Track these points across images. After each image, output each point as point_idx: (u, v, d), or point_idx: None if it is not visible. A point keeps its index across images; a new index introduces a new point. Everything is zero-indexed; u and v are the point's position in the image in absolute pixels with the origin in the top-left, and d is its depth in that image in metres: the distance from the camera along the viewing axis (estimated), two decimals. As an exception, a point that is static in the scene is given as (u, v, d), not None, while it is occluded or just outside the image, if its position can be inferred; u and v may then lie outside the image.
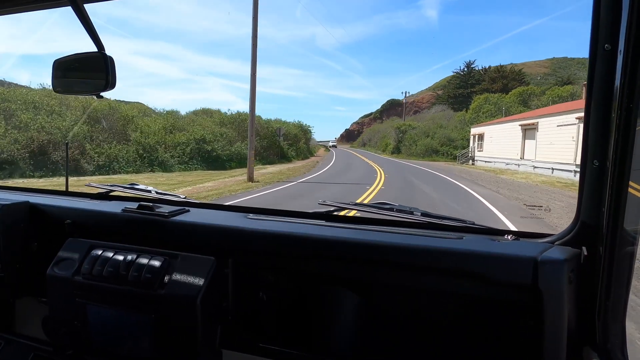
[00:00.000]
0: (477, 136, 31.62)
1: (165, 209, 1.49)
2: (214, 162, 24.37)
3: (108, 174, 18.81)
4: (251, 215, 1.48)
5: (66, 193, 1.88)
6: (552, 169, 19.16)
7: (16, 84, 22.92)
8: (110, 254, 1.31)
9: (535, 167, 21.32)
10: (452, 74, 68.36)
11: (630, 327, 3.16)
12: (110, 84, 1.39)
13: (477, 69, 63.11)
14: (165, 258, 1.28)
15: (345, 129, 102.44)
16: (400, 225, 1.34)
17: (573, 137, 16.90)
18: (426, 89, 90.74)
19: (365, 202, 1.51)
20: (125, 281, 1.25)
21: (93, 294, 1.29)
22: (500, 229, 1.28)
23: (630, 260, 0.94)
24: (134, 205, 1.50)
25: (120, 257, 1.29)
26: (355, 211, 1.53)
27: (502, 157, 26.05)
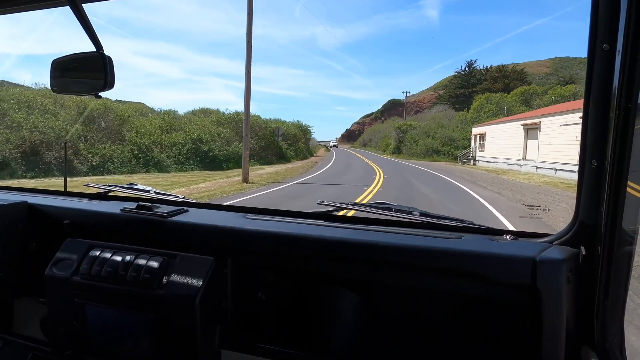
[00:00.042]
0: (478, 136, 31.35)
1: (164, 209, 1.48)
2: (211, 162, 24.14)
3: (102, 175, 18.52)
4: (250, 215, 1.47)
5: (65, 193, 1.88)
6: (555, 169, 18.81)
7: (9, 83, 22.69)
8: (109, 254, 1.30)
9: (537, 168, 21.00)
10: (453, 73, 68.33)
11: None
12: (108, 83, 1.38)
13: (478, 68, 63.14)
14: (164, 258, 1.28)
15: (346, 129, 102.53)
16: (399, 225, 1.34)
17: (577, 137, 16.41)
18: (427, 88, 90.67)
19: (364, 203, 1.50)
20: (124, 281, 1.25)
21: (92, 294, 1.29)
22: (499, 228, 1.28)
23: (629, 259, 0.95)
24: (132, 206, 1.50)
25: (119, 257, 1.29)
26: (355, 211, 1.52)
27: (503, 157, 25.78)
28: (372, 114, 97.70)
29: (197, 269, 1.24)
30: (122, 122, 22.49)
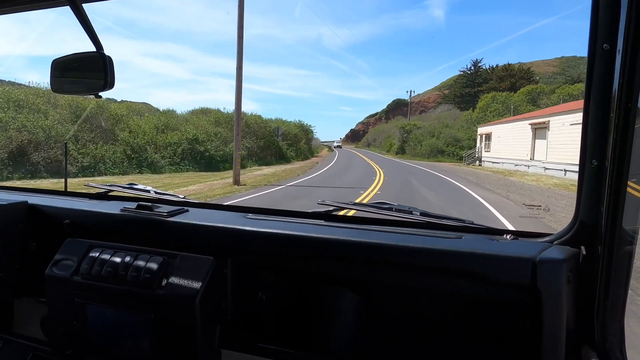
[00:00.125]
0: (484, 136, 30.99)
1: (164, 208, 1.48)
2: (208, 163, 23.51)
3: (93, 176, 17.89)
4: (250, 215, 1.48)
5: (65, 193, 1.90)
6: (565, 170, 18.26)
7: (4, 81, 22.20)
8: (109, 254, 1.31)
9: (546, 169, 20.49)
10: (458, 73, 67.87)
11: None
12: (109, 83, 1.39)
13: (484, 67, 62.92)
14: (164, 258, 1.28)
15: (351, 129, 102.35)
16: (400, 225, 1.35)
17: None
18: (432, 88, 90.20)
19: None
20: (124, 281, 1.25)
21: (92, 294, 1.29)
22: (499, 228, 1.28)
23: (629, 259, 0.95)
24: (132, 205, 1.50)
25: (119, 257, 1.29)
26: (355, 211, 1.53)
27: (510, 157, 25.36)
28: (376, 114, 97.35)
29: (197, 269, 1.24)
30: (115, 122, 21.91)
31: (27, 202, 1.59)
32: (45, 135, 17.84)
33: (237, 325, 1.34)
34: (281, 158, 30.62)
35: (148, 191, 1.79)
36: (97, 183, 1.86)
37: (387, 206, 1.44)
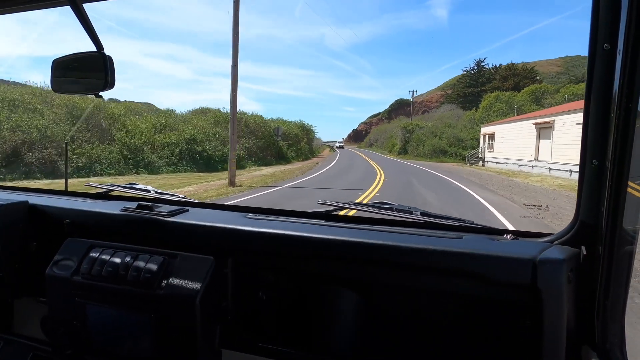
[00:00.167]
0: (487, 136, 30.74)
1: (165, 208, 1.49)
2: (206, 163, 23.20)
3: (88, 177, 17.55)
4: (250, 215, 1.48)
5: (65, 193, 1.90)
6: (570, 171, 17.91)
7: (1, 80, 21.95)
8: (109, 254, 1.31)
9: (551, 169, 20.22)
10: (461, 72, 67.34)
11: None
12: (109, 83, 1.39)
13: (487, 67, 62.65)
14: (165, 258, 1.28)
15: (353, 129, 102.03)
16: (400, 225, 1.35)
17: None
18: (435, 88, 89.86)
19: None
20: (125, 281, 1.25)
21: (92, 294, 1.29)
22: (500, 228, 1.27)
23: (629, 259, 0.95)
24: (133, 205, 1.50)
25: (120, 257, 1.29)
26: (355, 210, 1.54)
27: (514, 158, 25.08)
28: (379, 114, 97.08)
29: (198, 268, 1.24)
30: (112, 122, 21.59)
31: (27, 202, 1.60)
32: (40, 135, 17.53)
33: (238, 325, 1.35)
34: (281, 158, 30.32)
35: (148, 191, 1.79)
36: (98, 183, 1.88)
37: (387, 206, 1.44)
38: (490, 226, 1.29)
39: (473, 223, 1.32)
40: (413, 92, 77.84)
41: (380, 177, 17.76)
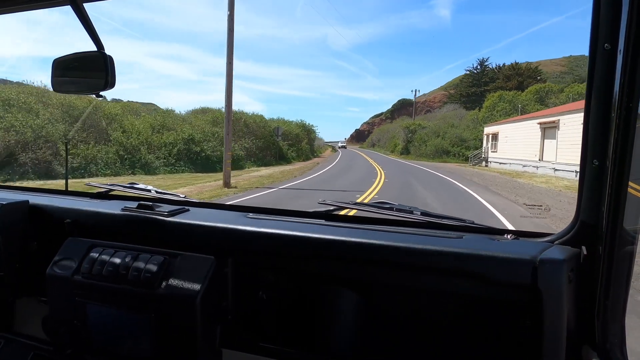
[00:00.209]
0: (490, 136, 30.46)
1: (165, 208, 1.49)
2: (204, 163, 22.86)
3: (83, 177, 17.24)
4: (251, 215, 1.49)
5: (66, 192, 1.92)
6: (576, 171, 17.40)
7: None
8: (110, 254, 1.32)
9: (556, 170, 19.85)
10: (465, 72, 67.01)
11: None
12: (109, 83, 1.39)
13: (490, 67, 62.25)
14: (165, 257, 1.28)
15: (355, 130, 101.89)
16: (400, 225, 1.35)
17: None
18: (438, 88, 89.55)
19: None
20: (125, 280, 1.25)
21: (93, 294, 1.30)
22: (500, 228, 1.28)
23: (630, 259, 0.95)
24: (133, 205, 1.51)
25: (120, 257, 1.29)
26: (355, 210, 1.54)
27: (518, 158, 24.76)
28: (381, 114, 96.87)
29: (198, 268, 1.24)
30: (109, 121, 21.28)
31: (28, 201, 1.61)
32: (34, 135, 17.25)
33: (238, 324, 1.35)
34: (281, 159, 30.01)
35: (149, 191, 1.80)
36: (98, 182, 1.89)
37: (388, 206, 1.44)
38: (491, 226, 1.30)
39: (473, 223, 1.32)
40: (416, 92, 77.56)
41: (380, 178, 17.46)
